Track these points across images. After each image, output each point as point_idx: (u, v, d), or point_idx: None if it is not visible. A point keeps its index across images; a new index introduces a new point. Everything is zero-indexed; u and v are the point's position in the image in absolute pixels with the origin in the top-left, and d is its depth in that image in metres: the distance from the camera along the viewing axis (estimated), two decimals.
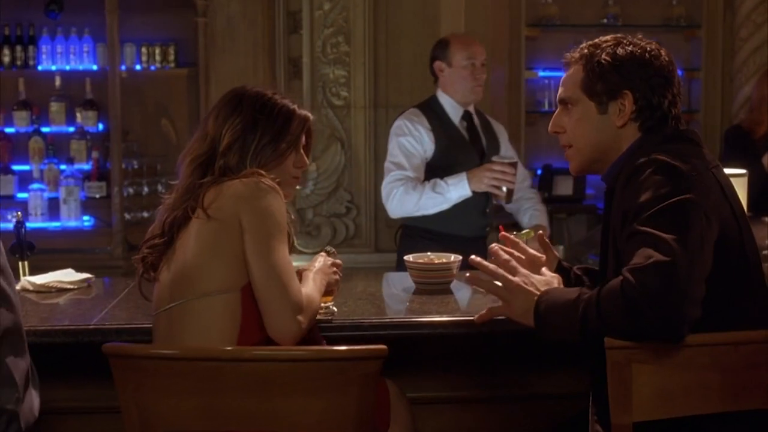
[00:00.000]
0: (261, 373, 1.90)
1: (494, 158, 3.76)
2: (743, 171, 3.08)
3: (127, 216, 5.22)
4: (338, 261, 2.45)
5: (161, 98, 5.48)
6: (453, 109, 3.91)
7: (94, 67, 5.36)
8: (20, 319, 1.99)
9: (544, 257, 2.45)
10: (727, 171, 2.87)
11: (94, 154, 5.31)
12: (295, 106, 2.38)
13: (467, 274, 2.31)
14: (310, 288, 2.27)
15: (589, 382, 2.28)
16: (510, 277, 2.19)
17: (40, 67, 5.32)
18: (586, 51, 2.27)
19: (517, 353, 2.65)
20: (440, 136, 3.85)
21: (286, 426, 1.92)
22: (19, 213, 3.03)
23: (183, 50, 5.41)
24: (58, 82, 5.31)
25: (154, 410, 1.93)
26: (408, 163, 3.81)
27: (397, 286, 2.91)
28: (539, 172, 5.84)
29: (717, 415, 2.00)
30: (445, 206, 3.76)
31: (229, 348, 2.09)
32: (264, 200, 2.20)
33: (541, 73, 5.90)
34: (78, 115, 5.35)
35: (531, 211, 3.96)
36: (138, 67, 5.36)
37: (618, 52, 2.22)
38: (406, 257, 2.84)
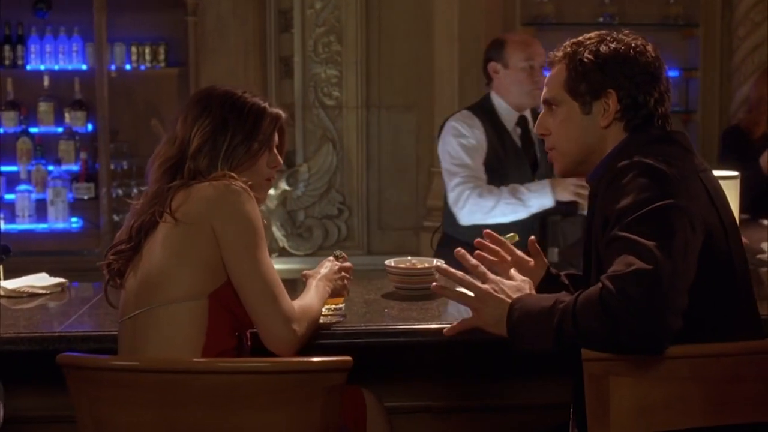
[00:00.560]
0: (222, 386, 1.83)
1: None
2: (736, 173, 2.99)
3: (115, 218, 5.19)
4: (347, 265, 2.43)
5: (151, 98, 5.44)
6: (507, 114, 3.65)
7: (84, 67, 5.32)
8: None
9: (532, 261, 2.39)
10: (722, 173, 2.82)
11: (83, 155, 5.29)
12: (266, 104, 2.32)
13: (433, 284, 2.19)
14: (310, 296, 2.24)
15: (571, 392, 2.20)
16: (479, 284, 2.08)
17: (28, 67, 5.30)
18: (569, 49, 2.19)
19: (497, 362, 2.59)
20: (493, 142, 3.61)
21: None
22: None
23: (173, 49, 5.37)
24: (46, 82, 5.28)
25: (110, 423, 1.87)
26: (474, 163, 3.56)
27: (377, 292, 2.84)
28: None
29: (699, 429, 1.92)
30: (521, 215, 3.54)
31: (189, 360, 2.03)
32: (237, 205, 2.14)
33: None
34: (67, 115, 5.32)
35: None
36: (128, 66, 5.34)
37: (601, 49, 2.14)
38: (386, 261, 2.76)
